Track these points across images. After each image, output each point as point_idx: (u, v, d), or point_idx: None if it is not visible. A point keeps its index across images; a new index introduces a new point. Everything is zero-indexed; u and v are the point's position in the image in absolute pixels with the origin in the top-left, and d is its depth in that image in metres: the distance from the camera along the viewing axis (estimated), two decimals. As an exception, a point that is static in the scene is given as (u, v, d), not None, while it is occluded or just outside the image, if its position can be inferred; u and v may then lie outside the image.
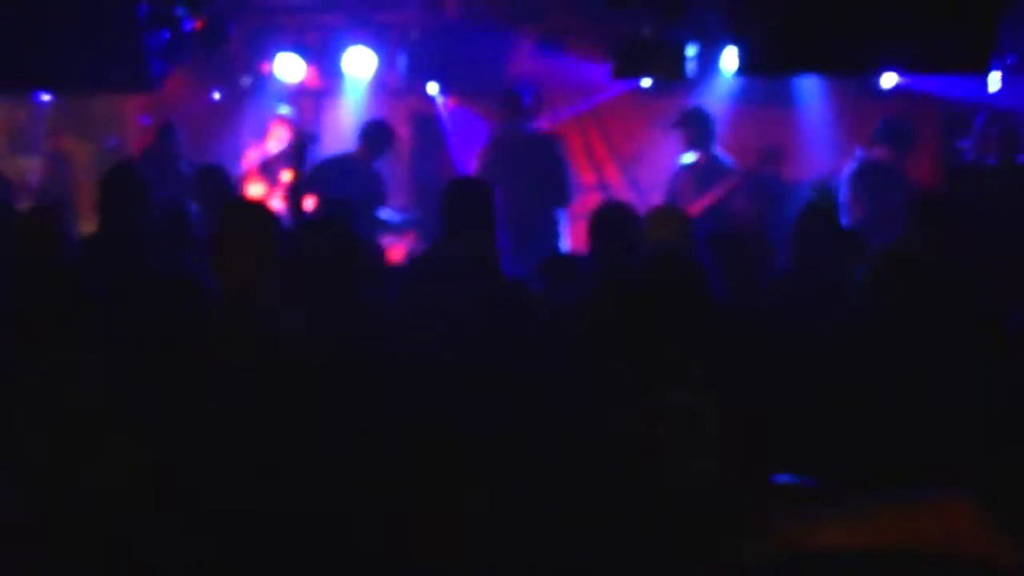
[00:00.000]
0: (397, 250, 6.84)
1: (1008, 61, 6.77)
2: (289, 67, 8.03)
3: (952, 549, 1.22)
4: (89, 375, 2.61)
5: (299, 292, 3.44)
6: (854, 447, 2.69)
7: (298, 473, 2.51)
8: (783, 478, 1.91)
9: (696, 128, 7.04)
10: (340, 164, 7.03)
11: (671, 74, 6.80)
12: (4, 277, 3.30)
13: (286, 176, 7.39)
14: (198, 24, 7.07)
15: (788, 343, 3.43)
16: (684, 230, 4.48)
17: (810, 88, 7.89)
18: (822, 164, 7.48)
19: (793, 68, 6.77)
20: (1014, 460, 2.49)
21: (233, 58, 8.11)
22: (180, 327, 3.09)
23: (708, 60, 6.93)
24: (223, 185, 5.97)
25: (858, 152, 7.01)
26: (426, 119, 8.81)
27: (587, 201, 7.15)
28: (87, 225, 5.17)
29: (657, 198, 7.18)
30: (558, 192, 6.72)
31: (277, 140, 7.68)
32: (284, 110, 7.95)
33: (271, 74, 8.11)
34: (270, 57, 8.04)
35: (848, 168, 6.91)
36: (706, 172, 6.97)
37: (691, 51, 6.72)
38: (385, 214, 7.10)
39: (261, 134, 7.90)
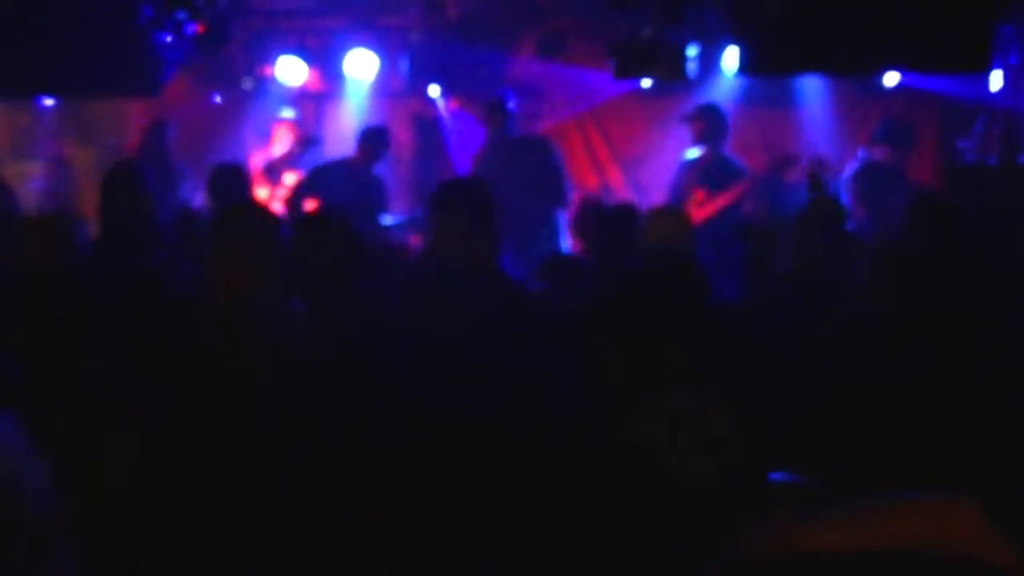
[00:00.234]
0: (415, 240, 6.69)
1: (1009, 61, 6.77)
2: (291, 70, 8.05)
3: (951, 550, 1.22)
4: (91, 376, 2.62)
5: (299, 290, 3.44)
6: (854, 447, 2.70)
7: (298, 472, 2.52)
8: (783, 478, 1.92)
9: (709, 124, 6.93)
10: (339, 169, 7.01)
11: (672, 75, 6.80)
12: (7, 281, 3.31)
13: (289, 179, 7.41)
14: (200, 27, 7.07)
15: (788, 343, 3.44)
16: (684, 230, 4.47)
17: (811, 88, 7.90)
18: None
19: (794, 68, 6.76)
20: (1014, 461, 2.49)
21: (234, 61, 8.12)
22: (179, 327, 3.10)
23: (709, 60, 6.94)
24: (240, 183, 5.94)
25: (859, 152, 7.02)
26: (427, 122, 8.82)
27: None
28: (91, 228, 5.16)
29: (658, 198, 7.18)
30: (554, 193, 6.70)
31: (281, 143, 7.69)
32: (288, 113, 7.96)
33: (273, 77, 8.13)
34: (272, 60, 8.06)
35: (849, 168, 6.92)
36: (711, 169, 6.93)
37: (692, 51, 6.72)
38: (386, 220, 7.07)
39: (263, 137, 7.92)
